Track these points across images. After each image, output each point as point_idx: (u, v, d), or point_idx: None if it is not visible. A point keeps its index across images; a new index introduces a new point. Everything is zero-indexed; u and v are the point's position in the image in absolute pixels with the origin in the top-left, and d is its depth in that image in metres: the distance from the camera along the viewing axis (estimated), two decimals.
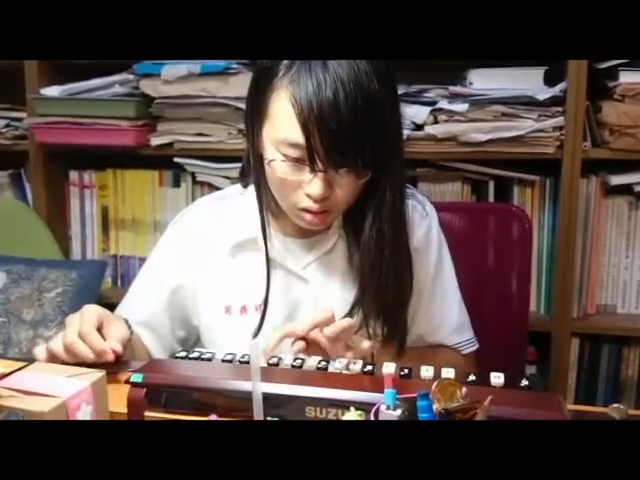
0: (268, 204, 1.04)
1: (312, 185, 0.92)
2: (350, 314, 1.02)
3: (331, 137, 0.88)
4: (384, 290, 1.00)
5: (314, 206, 0.94)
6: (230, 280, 1.07)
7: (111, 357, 0.90)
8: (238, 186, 1.13)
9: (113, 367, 0.91)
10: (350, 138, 0.88)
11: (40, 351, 0.95)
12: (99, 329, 0.93)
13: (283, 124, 0.91)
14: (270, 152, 0.94)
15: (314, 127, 0.88)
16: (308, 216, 0.96)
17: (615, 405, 0.75)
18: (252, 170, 1.02)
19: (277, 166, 0.93)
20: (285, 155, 0.92)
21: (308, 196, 0.94)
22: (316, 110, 0.87)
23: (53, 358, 0.92)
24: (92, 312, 0.94)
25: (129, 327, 1.01)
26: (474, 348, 1.16)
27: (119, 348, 0.92)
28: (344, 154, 0.89)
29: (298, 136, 0.89)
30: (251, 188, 1.07)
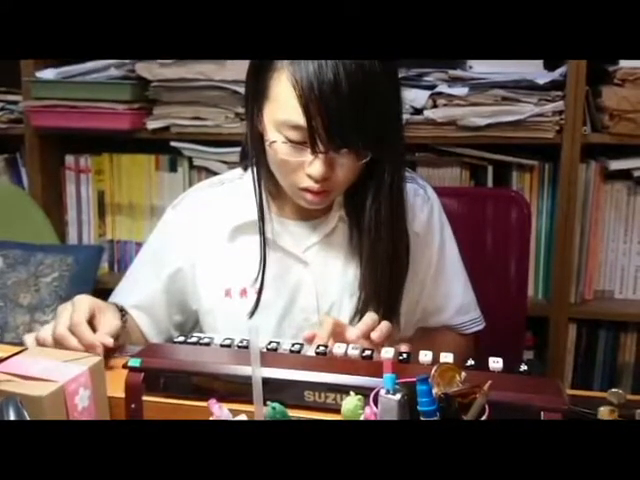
0: (267, 186, 1.04)
1: (313, 166, 0.93)
2: (358, 302, 1.02)
3: (332, 119, 0.88)
4: (382, 271, 1.01)
5: (315, 186, 0.95)
6: (230, 263, 1.07)
7: (100, 351, 0.89)
8: (237, 170, 1.12)
9: (110, 352, 0.91)
10: (351, 119, 0.88)
11: (30, 340, 0.94)
12: (91, 319, 0.93)
13: (284, 106, 0.91)
14: (271, 133, 0.94)
15: (315, 109, 0.88)
16: (309, 196, 0.97)
17: (614, 390, 0.75)
18: (251, 151, 1.02)
19: (278, 147, 0.93)
20: (286, 137, 0.92)
21: (309, 176, 0.94)
22: (317, 91, 0.87)
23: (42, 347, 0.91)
24: (83, 303, 0.93)
25: (123, 314, 1.01)
26: (480, 327, 1.17)
27: (109, 342, 0.90)
28: (345, 135, 0.89)
29: (299, 118, 0.89)
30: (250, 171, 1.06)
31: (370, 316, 0.92)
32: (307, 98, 0.87)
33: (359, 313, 1.02)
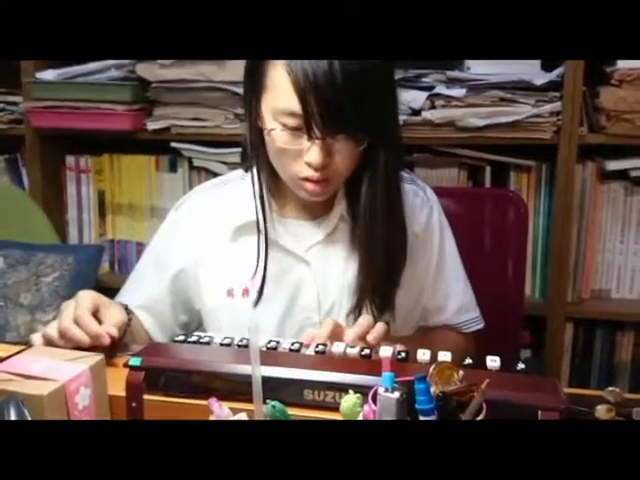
0: (268, 185, 1.05)
1: (311, 153, 0.93)
2: (354, 296, 1.04)
3: (327, 104, 0.89)
4: (378, 259, 1.01)
5: (315, 175, 0.95)
6: (232, 263, 1.08)
7: (107, 341, 0.90)
8: (239, 171, 1.13)
9: (112, 351, 0.91)
10: (346, 104, 0.89)
11: (37, 338, 0.95)
12: (95, 314, 0.94)
13: (280, 93, 0.92)
14: (269, 122, 0.95)
15: (310, 94, 0.89)
16: (309, 185, 0.97)
17: (611, 388, 0.75)
18: (251, 145, 1.03)
19: (277, 135, 0.94)
20: (284, 125, 0.93)
21: (308, 165, 0.95)
22: (312, 77, 0.88)
23: (50, 344, 0.92)
24: (87, 297, 0.94)
25: (128, 312, 1.02)
26: (479, 326, 1.18)
27: (114, 332, 0.92)
28: (340, 121, 0.90)
29: (295, 104, 0.90)
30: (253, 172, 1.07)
31: (365, 318, 0.93)
32: (302, 85, 0.88)
33: (356, 307, 1.03)
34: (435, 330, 1.16)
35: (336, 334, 0.91)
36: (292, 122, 0.92)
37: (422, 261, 1.10)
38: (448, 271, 1.14)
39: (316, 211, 1.07)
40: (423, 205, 1.11)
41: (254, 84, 0.97)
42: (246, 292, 1.06)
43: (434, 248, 1.12)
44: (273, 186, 1.05)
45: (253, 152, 1.03)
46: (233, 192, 1.10)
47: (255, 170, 1.03)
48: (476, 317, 1.18)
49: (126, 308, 1.02)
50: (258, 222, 1.03)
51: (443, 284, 1.14)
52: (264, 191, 1.04)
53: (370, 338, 0.89)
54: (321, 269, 1.06)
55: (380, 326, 0.91)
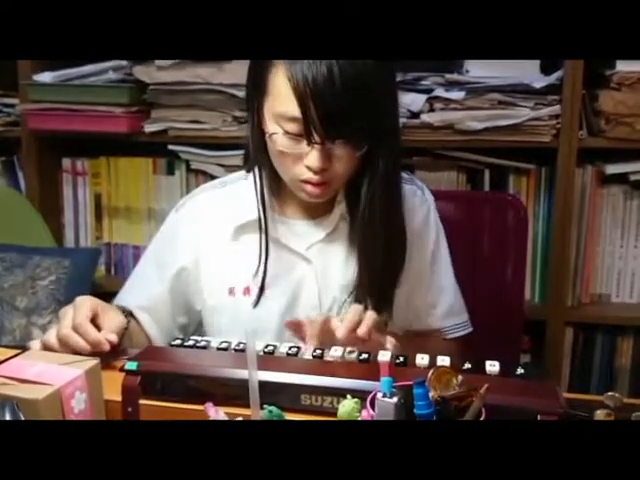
0: (270, 186, 1.06)
1: (311, 157, 0.95)
2: (352, 294, 1.04)
3: (326, 109, 0.90)
4: (376, 263, 1.02)
5: (314, 177, 0.97)
6: (233, 262, 1.08)
7: (106, 348, 0.91)
8: (240, 172, 1.14)
9: (109, 355, 0.91)
10: (345, 110, 0.90)
11: (35, 345, 0.95)
12: (93, 320, 0.93)
13: (281, 99, 0.93)
14: (271, 126, 0.97)
15: (309, 100, 0.90)
16: (309, 187, 0.99)
17: (610, 393, 0.75)
18: (253, 147, 1.04)
19: (278, 140, 0.96)
20: (285, 129, 0.95)
21: (308, 168, 0.96)
22: (311, 83, 0.89)
23: (48, 351, 0.92)
24: (85, 303, 0.94)
25: (126, 316, 1.02)
26: (468, 330, 1.17)
27: (114, 338, 0.92)
28: (340, 126, 0.92)
29: (295, 110, 0.92)
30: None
31: (354, 310, 0.92)
32: (302, 90, 0.90)
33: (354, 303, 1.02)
34: (423, 334, 1.15)
35: (326, 331, 0.90)
36: (293, 127, 0.94)
37: (416, 259, 1.10)
38: (440, 272, 1.14)
39: (317, 211, 1.08)
40: (421, 204, 1.12)
41: (256, 89, 0.98)
42: (247, 291, 1.07)
43: (429, 247, 1.12)
44: (274, 186, 1.06)
45: (255, 154, 1.04)
46: (234, 192, 1.11)
47: (257, 169, 1.04)
48: (464, 322, 1.17)
49: (124, 311, 1.02)
50: (260, 222, 1.04)
51: (434, 284, 1.14)
52: (266, 191, 1.05)
53: (361, 332, 0.89)
54: (322, 267, 1.07)
55: (369, 316, 0.91)
